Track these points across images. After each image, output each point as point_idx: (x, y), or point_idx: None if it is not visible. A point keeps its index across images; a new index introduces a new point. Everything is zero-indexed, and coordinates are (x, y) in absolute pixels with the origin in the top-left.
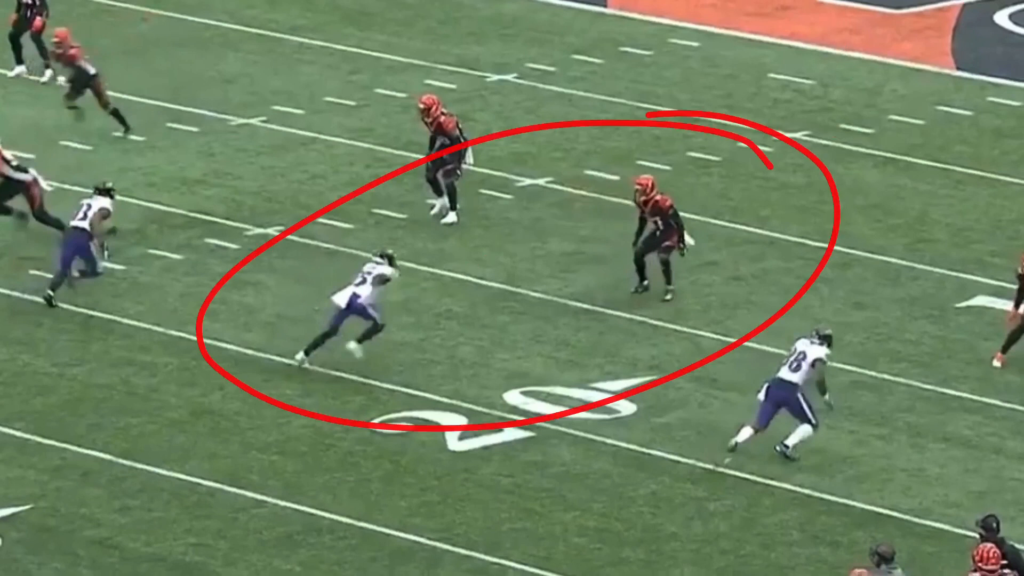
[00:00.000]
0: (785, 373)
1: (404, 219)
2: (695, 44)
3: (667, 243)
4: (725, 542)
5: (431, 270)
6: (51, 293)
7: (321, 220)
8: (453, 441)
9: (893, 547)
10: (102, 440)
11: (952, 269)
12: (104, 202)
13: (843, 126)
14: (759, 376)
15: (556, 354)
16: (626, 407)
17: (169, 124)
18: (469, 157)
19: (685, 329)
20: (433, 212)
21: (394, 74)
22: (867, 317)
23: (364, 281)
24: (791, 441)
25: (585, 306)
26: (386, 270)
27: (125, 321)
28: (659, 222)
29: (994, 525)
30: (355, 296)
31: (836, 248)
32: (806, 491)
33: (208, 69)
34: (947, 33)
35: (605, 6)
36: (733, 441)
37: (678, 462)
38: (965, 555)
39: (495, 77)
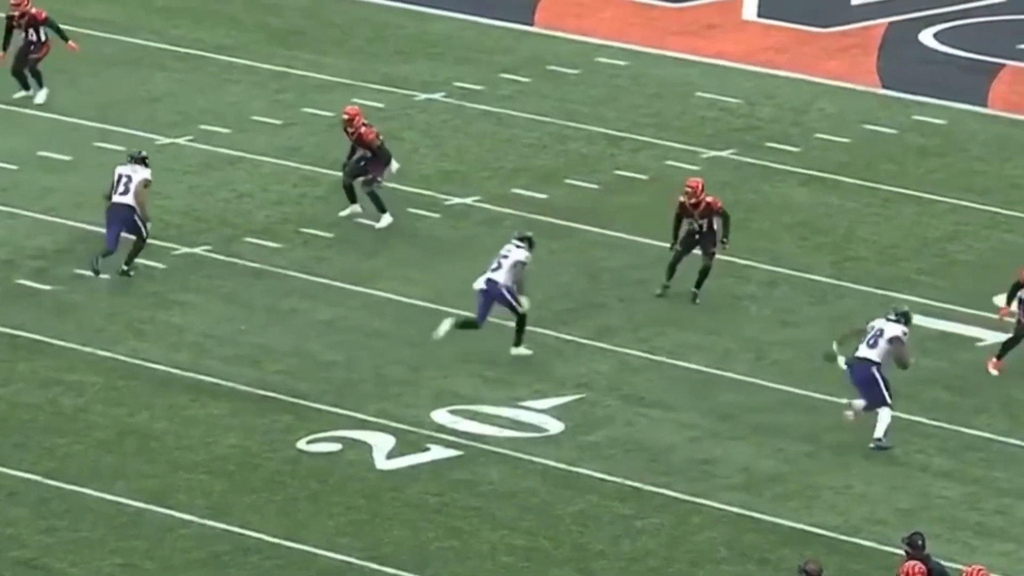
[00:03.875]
0: (863, 350)
1: (332, 238)
2: (622, 63)
3: (713, 249)
4: (653, 560)
5: (359, 289)
6: (98, 265)
7: (248, 239)
8: (380, 460)
9: (820, 565)
10: (28, 460)
11: (878, 287)
12: (145, 173)
13: (770, 144)
14: (685, 394)
15: (484, 373)
16: (554, 425)
17: (96, 144)
18: (394, 165)
19: (613, 347)
20: (343, 214)
21: (321, 93)
22: (794, 335)
23: (500, 267)
24: (879, 432)
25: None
26: (521, 255)
27: (52, 341)
28: (704, 225)
29: (920, 543)
30: (491, 282)
31: (763, 266)
32: (734, 509)
33: (135, 88)
34: (873, 52)
35: (532, 25)
36: (851, 416)
37: (606, 480)
38: (891, 573)
39: (422, 96)
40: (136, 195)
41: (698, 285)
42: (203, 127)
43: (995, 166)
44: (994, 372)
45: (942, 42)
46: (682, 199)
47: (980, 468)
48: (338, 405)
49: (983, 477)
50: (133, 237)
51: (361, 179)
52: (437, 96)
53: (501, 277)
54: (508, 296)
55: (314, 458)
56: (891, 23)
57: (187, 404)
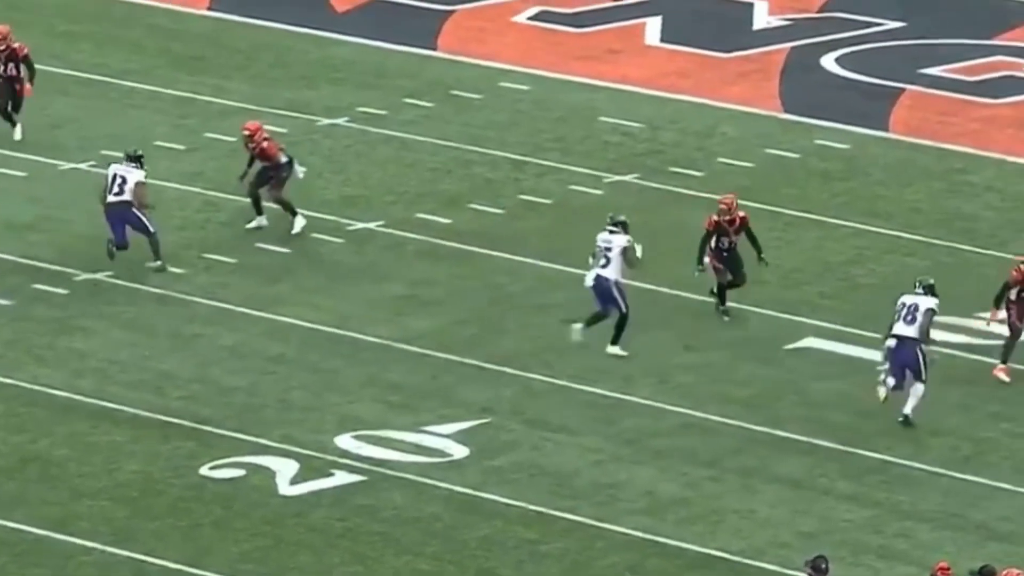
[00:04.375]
0: (902, 328)
1: (235, 263)
2: (526, 87)
3: (743, 269)
4: None
5: (262, 314)
6: (114, 250)
7: (149, 264)
8: (284, 485)
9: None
10: None
11: (782, 311)
12: (139, 175)
13: (673, 169)
14: (589, 418)
15: (388, 398)
16: (458, 450)
17: None
18: (299, 171)
19: (517, 372)
20: (249, 226)
21: (224, 118)
22: (697, 359)
23: (608, 262)
24: (909, 408)
25: (417, 350)
26: (622, 240)
27: None
28: (736, 241)
29: (823, 566)
30: (601, 278)
31: (666, 290)
32: (638, 533)
33: (37, 113)
34: (775, 76)
35: (435, 50)
36: (884, 393)
37: (510, 505)
38: None
39: (325, 121)
40: (134, 196)
41: (724, 301)
42: (105, 152)
43: (896, 190)
44: (1005, 379)
45: (843, 67)
46: (715, 218)
47: (882, 491)
48: (241, 431)
49: (885, 500)
50: (143, 236)
51: (266, 187)
52: (340, 121)
53: (611, 272)
54: (616, 293)
55: (217, 484)
56: (793, 48)
57: (89, 430)
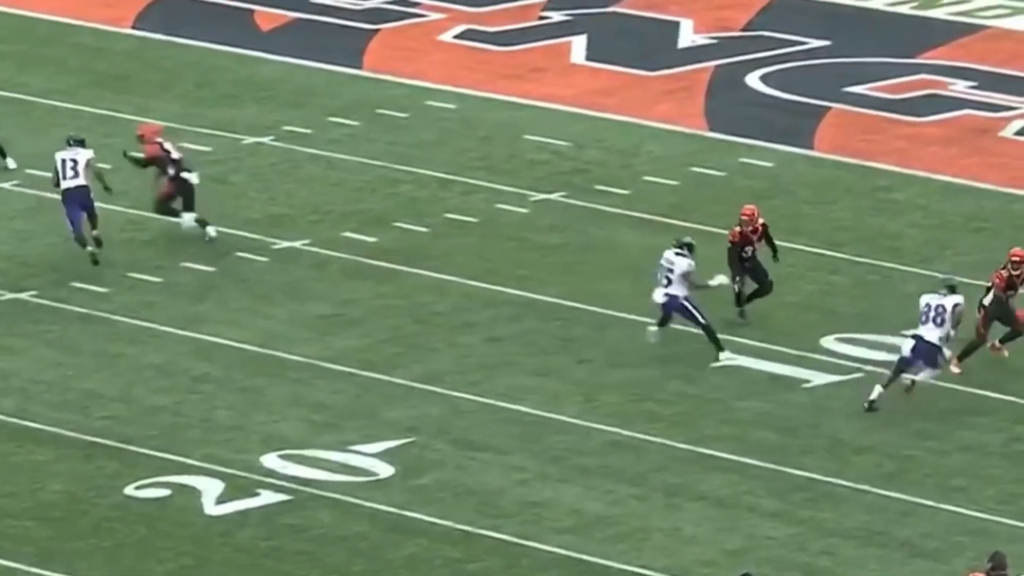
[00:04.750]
0: (930, 333)
1: (160, 282)
2: (452, 106)
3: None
4: None
5: (187, 334)
6: (92, 250)
7: (75, 284)
8: (209, 505)
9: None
10: None
11: None
12: (88, 153)
13: (599, 187)
14: (515, 437)
15: (314, 417)
16: (384, 469)
17: None
18: (193, 177)
19: (443, 391)
20: (208, 239)
21: None
22: (624, 377)
23: (670, 282)
24: (920, 377)
25: (343, 368)
26: (684, 264)
27: None
28: (756, 248)
29: None
30: (671, 296)
31: (593, 308)
32: (563, 552)
33: None
34: (700, 95)
35: (361, 69)
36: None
37: (436, 524)
38: None
39: (250, 139)
40: (90, 175)
41: (742, 304)
42: (29, 171)
43: (821, 208)
44: (956, 370)
45: (769, 85)
46: (738, 228)
47: (807, 509)
48: (166, 450)
49: (810, 518)
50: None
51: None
52: (266, 140)
53: (677, 290)
54: (690, 307)
55: (142, 504)
56: (718, 66)
57: (12, 451)
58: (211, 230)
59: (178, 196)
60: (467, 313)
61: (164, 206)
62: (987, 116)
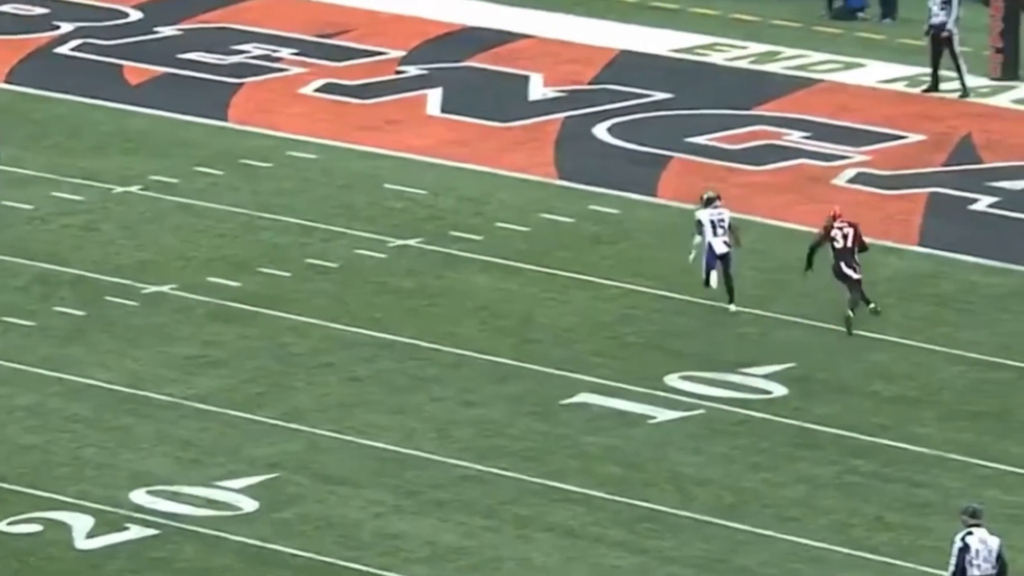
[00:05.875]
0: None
1: (32, 326)
2: (313, 156)
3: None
4: None
5: (57, 375)
6: None
7: None
8: (80, 540)
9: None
10: None
11: (556, 368)
12: None
13: (453, 233)
14: (373, 472)
15: (180, 454)
16: (248, 504)
17: None
18: None
19: (304, 428)
20: None
21: (20, 187)
22: (476, 414)
23: (725, 231)
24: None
25: (208, 407)
26: (728, 213)
27: None
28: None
29: None
30: (729, 245)
31: (446, 349)
32: None
33: None
34: (549, 145)
35: (226, 120)
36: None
37: (298, 555)
38: None
39: (119, 189)
40: None
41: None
42: None
43: (664, 252)
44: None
45: (615, 136)
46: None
47: (651, 538)
48: (37, 487)
49: (653, 547)
50: None
51: None
52: (134, 189)
53: (731, 239)
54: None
55: (14, 539)
56: (567, 118)
57: None
58: None
59: None
60: (327, 354)
61: None
62: (821, 165)
